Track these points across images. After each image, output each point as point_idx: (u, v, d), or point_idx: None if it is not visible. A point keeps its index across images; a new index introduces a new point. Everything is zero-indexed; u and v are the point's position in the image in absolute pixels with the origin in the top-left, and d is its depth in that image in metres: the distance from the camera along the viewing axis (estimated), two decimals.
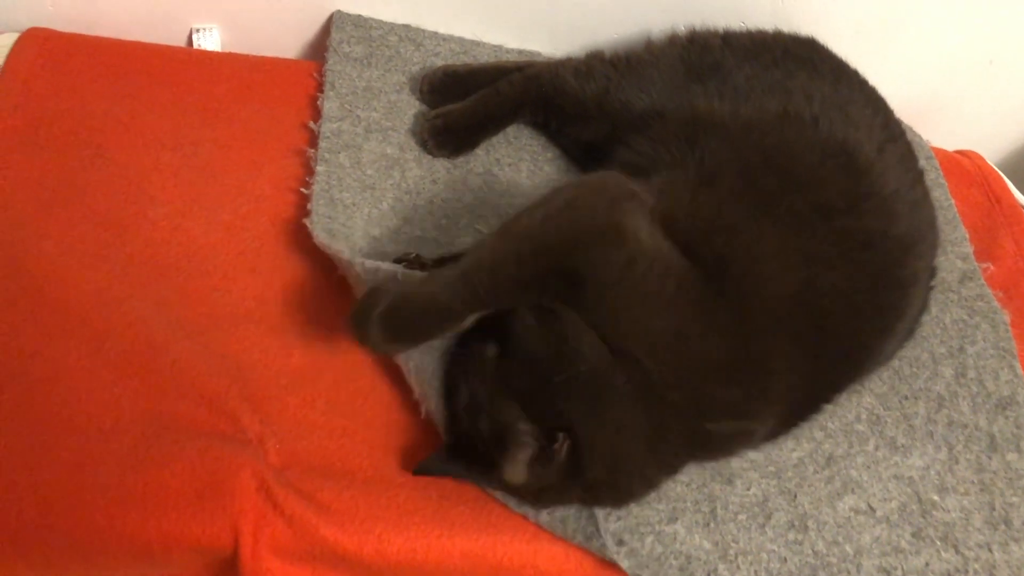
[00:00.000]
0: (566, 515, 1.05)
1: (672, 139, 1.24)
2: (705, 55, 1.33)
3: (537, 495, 1.02)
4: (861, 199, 1.16)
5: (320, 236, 1.18)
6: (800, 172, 1.16)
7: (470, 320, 1.01)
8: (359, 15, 1.52)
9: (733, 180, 1.14)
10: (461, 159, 1.38)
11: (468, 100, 1.39)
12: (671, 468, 1.08)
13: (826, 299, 1.10)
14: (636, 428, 1.00)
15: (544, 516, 1.05)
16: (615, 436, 0.99)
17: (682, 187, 1.14)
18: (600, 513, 1.05)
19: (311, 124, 1.36)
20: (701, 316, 1.02)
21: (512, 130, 1.44)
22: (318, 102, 1.38)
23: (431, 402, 1.07)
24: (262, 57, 1.49)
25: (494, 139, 1.42)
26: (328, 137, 1.33)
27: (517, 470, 0.96)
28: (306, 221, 1.21)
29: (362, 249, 1.22)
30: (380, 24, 1.52)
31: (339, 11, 1.51)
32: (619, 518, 1.06)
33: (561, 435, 0.96)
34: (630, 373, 0.98)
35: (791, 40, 1.38)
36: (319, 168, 1.29)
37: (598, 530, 1.05)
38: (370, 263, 1.10)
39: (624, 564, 1.04)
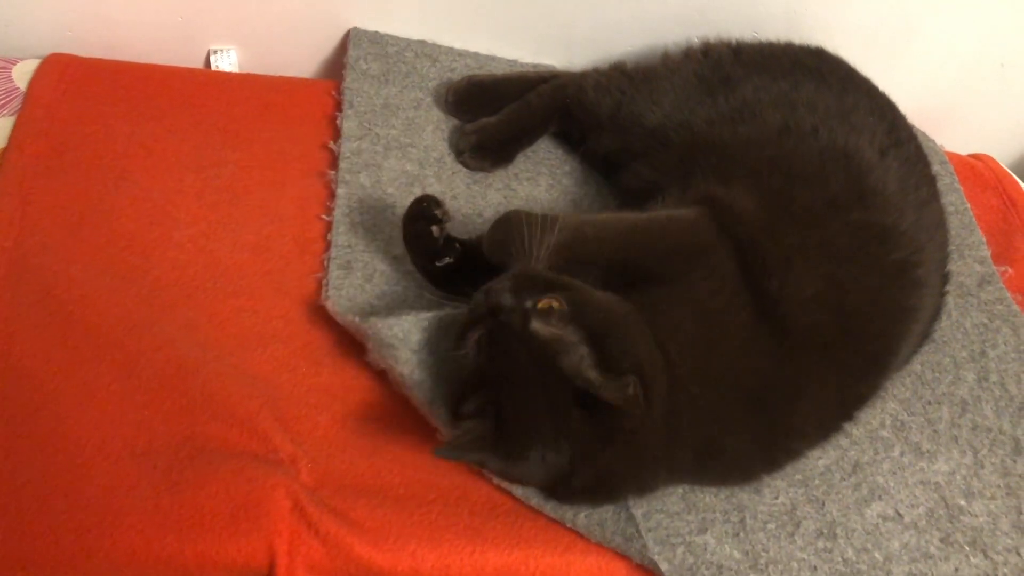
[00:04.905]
0: (604, 517, 1.06)
1: (674, 162, 1.27)
2: (717, 69, 1.35)
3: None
4: (866, 195, 1.19)
5: (335, 306, 1.17)
6: (804, 174, 1.20)
7: None
8: (376, 32, 1.52)
9: (744, 184, 1.18)
10: (480, 174, 1.39)
11: (501, 114, 1.41)
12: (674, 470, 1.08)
13: (850, 296, 1.12)
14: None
15: (582, 519, 1.05)
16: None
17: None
18: (639, 513, 1.06)
19: (331, 144, 1.36)
20: (739, 335, 1.06)
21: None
22: (337, 121, 1.39)
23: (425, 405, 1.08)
24: (279, 77, 1.51)
25: None
26: (348, 157, 1.34)
27: (635, 398, 0.92)
28: (324, 293, 1.19)
29: (383, 272, 1.23)
30: (396, 41, 1.53)
31: (355, 28, 1.51)
32: (649, 529, 1.07)
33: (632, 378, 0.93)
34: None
35: (800, 51, 1.40)
36: (339, 191, 1.30)
37: (638, 531, 1.05)
38: (381, 322, 1.10)
39: (663, 567, 1.04)
